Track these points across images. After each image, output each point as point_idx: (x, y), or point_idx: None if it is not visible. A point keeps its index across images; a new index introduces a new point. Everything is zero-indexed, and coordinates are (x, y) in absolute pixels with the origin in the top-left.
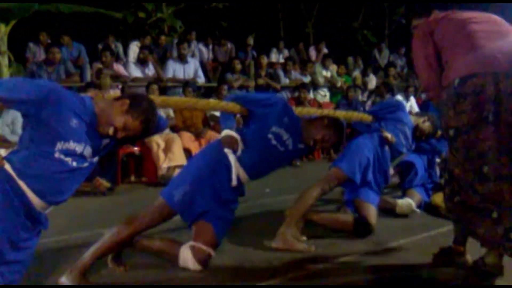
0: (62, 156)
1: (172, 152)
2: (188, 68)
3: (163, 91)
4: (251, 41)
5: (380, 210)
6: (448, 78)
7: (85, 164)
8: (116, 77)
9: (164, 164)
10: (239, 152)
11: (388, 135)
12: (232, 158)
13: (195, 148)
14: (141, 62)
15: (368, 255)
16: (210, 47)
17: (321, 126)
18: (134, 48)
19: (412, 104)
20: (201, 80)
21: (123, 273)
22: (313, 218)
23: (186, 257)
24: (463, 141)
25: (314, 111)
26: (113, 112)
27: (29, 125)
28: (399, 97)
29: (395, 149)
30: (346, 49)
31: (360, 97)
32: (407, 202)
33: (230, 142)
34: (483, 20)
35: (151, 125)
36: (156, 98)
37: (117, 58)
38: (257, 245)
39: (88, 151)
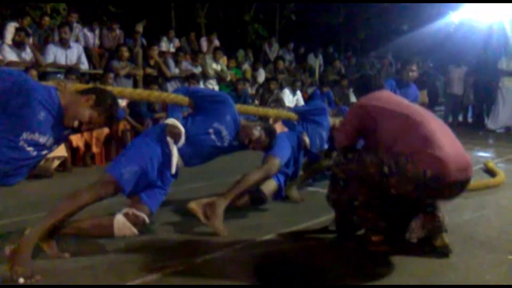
0: (25, 146)
1: None
2: (70, 54)
3: (43, 77)
4: (140, 28)
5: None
6: (415, 166)
7: (44, 152)
8: None
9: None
10: (180, 143)
11: (307, 141)
12: (174, 148)
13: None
14: (17, 45)
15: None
16: (97, 32)
17: (258, 128)
18: (11, 30)
19: (298, 98)
20: (85, 66)
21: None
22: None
23: (122, 224)
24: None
25: (252, 110)
26: (79, 107)
27: None
28: (287, 90)
29: (308, 150)
30: (237, 41)
31: (249, 90)
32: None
33: (174, 133)
34: (420, 112)
35: (113, 120)
36: (113, 89)
37: None
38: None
39: (50, 141)
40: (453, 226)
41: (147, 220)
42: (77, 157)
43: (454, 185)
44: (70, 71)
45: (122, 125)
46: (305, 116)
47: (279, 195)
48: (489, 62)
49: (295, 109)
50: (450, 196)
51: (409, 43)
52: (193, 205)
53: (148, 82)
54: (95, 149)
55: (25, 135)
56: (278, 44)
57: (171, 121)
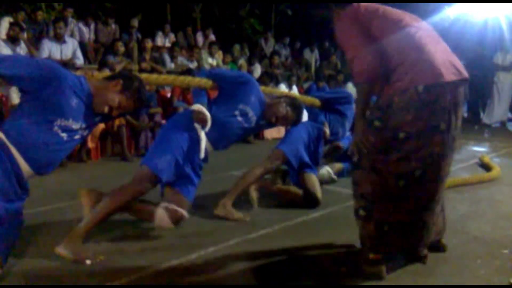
0: (59, 131)
1: None
2: (65, 48)
3: None
4: (135, 23)
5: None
6: (404, 82)
7: (77, 137)
8: None
9: None
10: (207, 128)
11: (327, 132)
12: (202, 133)
13: None
14: (12, 40)
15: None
16: (92, 27)
17: (284, 105)
18: (5, 24)
19: (294, 93)
20: (80, 61)
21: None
22: (270, 189)
23: (162, 218)
24: (411, 145)
25: (275, 91)
26: (108, 92)
27: (28, 101)
28: (283, 85)
29: (328, 139)
30: (232, 36)
31: None
32: (326, 171)
33: (201, 119)
34: (421, 26)
35: (143, 103)
36: (139, 76)
37: None
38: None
39: (82, 127)
40: (447, 221)
41: (186, 215)
42: (72, 153)
43: (451, 90)
44: (65, 66)
45: (117, 120)
46: (329, 104)
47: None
48: (485, 57)
49: (320, 96)
50: (454, 107)
51: None
52: (215, 213)
53: None
54: (90, 144)
55: (59, 121)
56: (274, 39)
57: (197, 106)
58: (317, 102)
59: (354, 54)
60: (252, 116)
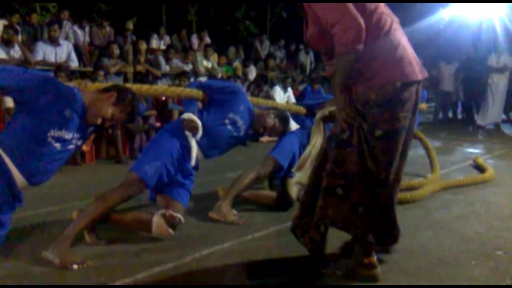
0: (53, 142)
1: None
2: (60, 51)
3: None
4: (130, 25)
5: None
6: (381, 78)
7: (71, 147)
8: None
9: None
10: (198, 136)
11: None
12: (192, 141)
13: None
14: (6, 42)
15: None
16: (87, 29)
17: (272, 116)
18: None
19: (289, 95)
20: (75, 64)
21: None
22: (241, 196)
23: (160, 225)
24: (386, 144)
25: (263, 102)
26: (102, 104)
27: (23, 111)
28: (278, 88)
29: None
30: (227, 38)
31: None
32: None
33: (192, 127)
34: (392, 15)
35: (135, 116)
36: (131, 86)
37: None
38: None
39: (76, 137)
40: (442, 222)
41: (182, 219)
42: None
43: (417, 88)
44: (59, 68)
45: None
46: (312, 110)
47: None
48: (479, 59)
49: (303, 103)
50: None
51: None
52: (210, 215)
53: (138, 79)
54: (85, 147)
55: (52, 132)
56: (269, 41)
57: (187, 115)
58: (301, 109)
59: (338, 18)
60: (242, 125)
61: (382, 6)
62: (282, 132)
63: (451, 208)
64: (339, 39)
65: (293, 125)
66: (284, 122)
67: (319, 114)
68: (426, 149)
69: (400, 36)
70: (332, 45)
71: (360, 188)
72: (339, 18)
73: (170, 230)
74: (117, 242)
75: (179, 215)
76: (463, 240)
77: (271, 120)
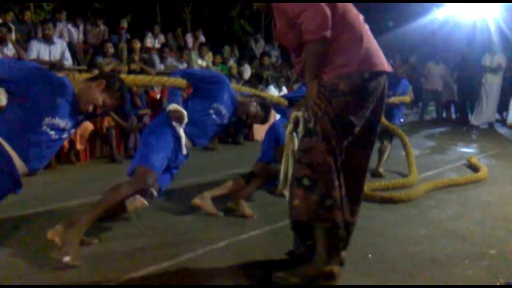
0: (48, 130)
1: None
2: (54, 50)
3: None
4: (124, 24)
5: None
6: (350, 67)
7: (64, 135)
8: None
9: None
10: (183, 124)
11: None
12: (180, 130)
13: None
14: None
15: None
16: (81, 28)
17: (254, 104)
18: None
19: (262, 92)
20: (69, 62)
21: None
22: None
23: (132, 201)
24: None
25: (244, 89)
26: (92, 92)
27: (16, 102)
28: (272, 87)
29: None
30: (222, 37)
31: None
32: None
33: (178, 117)
34: (358, 13)
35: (124, 100)
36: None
37: None
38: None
39: (68, 125)
40: (436, 221)
41: (155, 193)
42: (61, 155)
43: (384, 81)
44: (53, 67)
45: (106, 122)
46: (293, 101)
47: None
48: (473, 59)
49: (285, 96)
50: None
51: (395, 40)
52: (197, 202)
53: None
54: (79, 146)
55: (47, 120)
56: (264, 40)
57: (172, 106)
58: (283, 101)
59: (304, 7)
60: (226, 113)
61: (350, 4)
62: (264, 119)
63: (445, 207)
64: (306, 26)
65: (273, 115)
66: (266, 109)
67: (288, 128)
68: (404, 146)
69: (367, 30)
70: (300, 37)
71: (328, 180)
72: (305, 7)
73: (144, 200)
74: (111, 242)
75: (151, 190)
76: (457, 239)
77: (253, 108)
